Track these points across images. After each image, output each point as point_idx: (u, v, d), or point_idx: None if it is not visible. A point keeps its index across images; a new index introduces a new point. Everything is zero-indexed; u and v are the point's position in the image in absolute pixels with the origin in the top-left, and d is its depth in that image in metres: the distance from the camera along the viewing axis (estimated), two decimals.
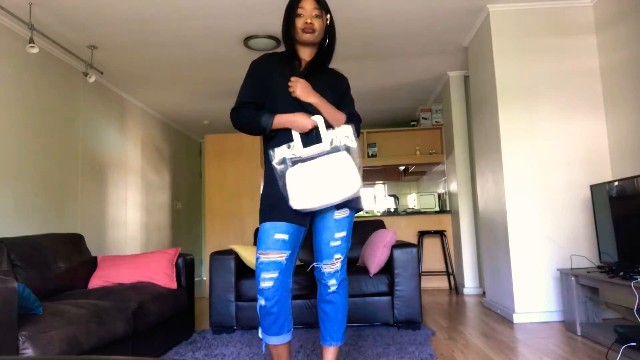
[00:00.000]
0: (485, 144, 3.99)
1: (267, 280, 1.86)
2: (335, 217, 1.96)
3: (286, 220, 1.88)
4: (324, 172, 1.85)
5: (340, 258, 1.98)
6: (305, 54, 2.03)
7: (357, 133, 1.99)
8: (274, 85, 1.97)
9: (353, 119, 2.02)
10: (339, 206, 1.95)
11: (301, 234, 1.97)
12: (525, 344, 2.83)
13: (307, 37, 1.94)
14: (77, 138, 4.45)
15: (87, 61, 4.32)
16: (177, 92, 5.58)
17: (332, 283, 1.98)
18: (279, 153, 1.89)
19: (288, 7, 1.98)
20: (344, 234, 1.97)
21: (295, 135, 1.91)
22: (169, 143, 6.91)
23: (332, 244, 1.97)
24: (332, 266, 1.98)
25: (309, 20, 1.92)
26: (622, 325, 2.64)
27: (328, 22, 2.00)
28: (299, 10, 1.94)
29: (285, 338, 1.93)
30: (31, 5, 3.37)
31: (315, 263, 2.01)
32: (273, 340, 1.92)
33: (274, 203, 1.91)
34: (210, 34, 3.99)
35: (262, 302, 1.88)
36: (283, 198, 1.87)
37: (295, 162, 1.88)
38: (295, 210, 1.87)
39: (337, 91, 2.05)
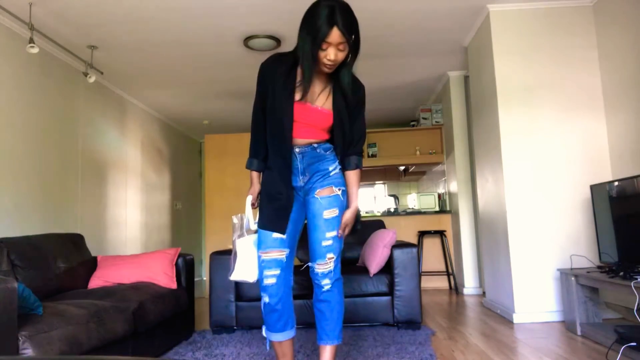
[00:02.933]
0: (485, 144, 3.99)
1: (269, 277, 1.94)
2: (325, 217, 1.99)
3: (278, 231, 1.98)
4: (256, 248, 2.02)
5: (333, 257, 1.99)
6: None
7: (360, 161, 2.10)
8: (270, 99, 1.98)
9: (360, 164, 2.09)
10: (327, 206, 2.00)
11: (297, 233, 2.06)
12: (525, 344, 2.83)
13: (327, 71, 1.88)
14: (77, 138, 4.45)
15: (87, 61, 4.32)
16: (177, 92, 5.58)
17: (326, 282, 2.00)
18: (237, 222, 2.06)
19: (313, 30, 1.77)
20: (334, 233, 1.99)
21: (248, 210, 2.05)
22: (169, 143, 6.91)
23: (324, 243, 1.99)
24: (325, 266, 1.99)
25: (332, 57, 1.79)
26: (622, 325, 2.64)
27: (352, 41, 1.84)
28: (324, 45, 1.78)
29: (290, 334, 2.01)
30: (31, 5, 3.37)
31: (309, 263, 2.04)
32: (278, 337, 1.99)
33: (269, 211, 2.00)
34: (210, 34, 3.99)
35: (266, 299, 1.96)
36: (278, 206, 1.98)
37: (247, 232, 2.04)
38: (283, 216, 1.97)
39: (351, 104, 1.99)
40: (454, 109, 5.22)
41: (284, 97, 1.92)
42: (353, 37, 1.83)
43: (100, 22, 3.71)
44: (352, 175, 2.05)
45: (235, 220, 2.05)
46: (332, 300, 2.02)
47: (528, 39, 3.67)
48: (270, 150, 2.04)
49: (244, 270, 2.00)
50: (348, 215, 2.01)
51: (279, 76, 1.94)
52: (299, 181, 2.03)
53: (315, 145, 2.01)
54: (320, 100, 1.96)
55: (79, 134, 4.49)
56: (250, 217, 2.06)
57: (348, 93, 1.95)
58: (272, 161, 2.03)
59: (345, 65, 1.90)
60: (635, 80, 3.17)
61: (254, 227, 2.05)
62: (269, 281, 1.94)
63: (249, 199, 2.08)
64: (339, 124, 1.98)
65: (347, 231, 2.01)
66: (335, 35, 1.76)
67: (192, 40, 4.11)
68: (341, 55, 1.83)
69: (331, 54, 1.79)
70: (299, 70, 1.94)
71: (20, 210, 3.60)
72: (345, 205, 2.03)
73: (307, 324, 3.39)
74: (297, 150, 1.99)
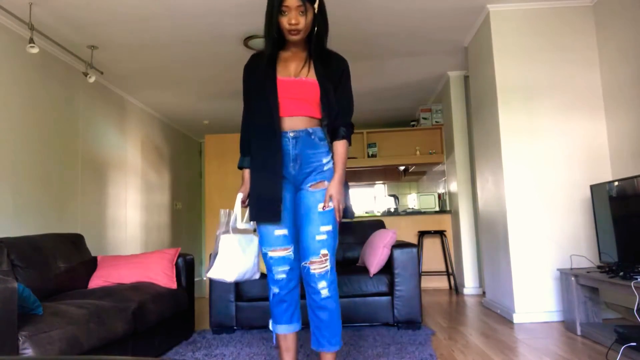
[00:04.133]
0: (485, 144, 3.99)
1: (280, 272, 1.96)
2: (319, 210, 1.92)
3: (272, 220, 1.93)
4: (240, 248, 1.98)
5: (327, 255, 1.91)
6: (296, 47, 1.99)
7: (349, 139, 2.02)
8: (252, 92, 2.02)
9: (348, 136, 2.01)
10: (321, 199, 1.94)
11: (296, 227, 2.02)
12: (525, 344, 2.83)
13: (293, 38, 1.91)
14: (77, 138, 4.45)
15: (87, 61, 4.32)
16: (177, 92, 5.58)
17: (323, 286, 1.90)
18: (223, 218, 2.02)
19: (270, 4, 1.88)
20: (329, 227, 1.92)
21: (237, 207, 2.02)
22: (169, 143, 6.91)
23: (318, 237, 1.90)
24: (321, 265, 1.90)
25: (293, 21, 1.85)
26: (622, 325, 2.64)
27: (316, 10, 1.88)
28: (283, 8, 1.85)
29: (296, 327, 2.01)
30: (31, 5, 3.37)
31: (302, 262, 1.95)
32: (284, 329, 1.99)
33: (263, 205, 1.94)
34: (210, 34, 3.99)
35: (275, 290, 1.97)
36: (271, 199, 1.92)
37: (233, 230, 2.00)
38: (275, 204, 1.91)
39: (334, 76, 1.99)
40: (454, 109, 5.22)
41: (266, 78, 1.95)
42: (316, 6, 1.88)
43: (100, 22, 3.71)
44: (338, 145, 1.98)
45: (222, 214, 2.00)
46: (331, 307, 1.93)
47: (528, 39, 3.67)
48: (255, 139, 2.00)
49: (223, 268, 1.94)
50: (332, 185, 1.92)
51: (260, 67, 1.99)
52: (290, 168, 1.96)
53: (311, 130, 1.95)
54: (303, 73, 1.96)
55: (79, 134, 4.49)
56: (239, 215, 2.01)
57: (320, 67, 1.96)
58: (256, 150, 1.99)
59: (312, 37, 1.94)
60: (635, 80, 3.17)
61: (242, 226, 2.01)
62: (280, 276, 1.96)
63: (239, 197, 2.03)
64: (324, 93, 1.94)
65: (333, 204, 1.91)
66: None
67: (192, 40, 4.11)
68: (303, 20, 1.86)
69: (292, 18, 1.85)
70: (279, 55, 1.99)
71: (20, 210, 3.60)
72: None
73: (306, 324, 3.39)
74: (291, 134, 1.94)
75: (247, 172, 2.07)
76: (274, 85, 1.93)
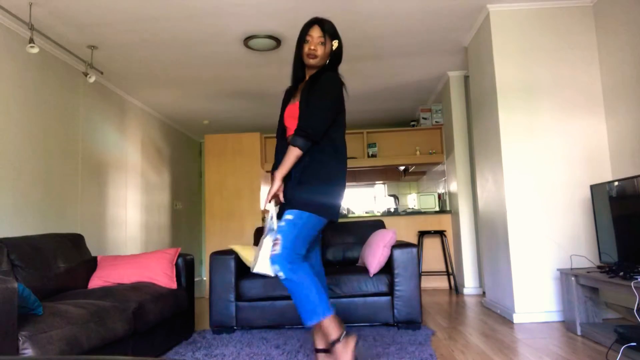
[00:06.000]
0: (485, 144, 3.99)
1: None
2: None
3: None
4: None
5: (278, 239, 2.10)
6: (311, 74, 2.36)
7: (309, 138, 2.19)
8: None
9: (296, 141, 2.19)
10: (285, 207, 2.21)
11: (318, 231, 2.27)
12: (525, 344, 2.83)
13: (310, 61, 2.28)
14: (77, 138, 4.45)
15: (87, 61, 4.32)
16: (177, 92, 5.58)
17: (276, 269, 2.10)
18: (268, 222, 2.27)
19: (299, 35, 2.30)
20: (282, 224, 2.14)
21: (271, 208, 2.25)
22: (169, 143, 6.91)
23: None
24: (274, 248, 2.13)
25: (312, 47, 2.25)
26: (622, 325, 2.64)
27: (334, 48, 2.29)
28: (307, 37, 2.26)
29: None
30: (31, 5, 3.37)
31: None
32: None
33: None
34: (210, 34, 3.99)
35: None
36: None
37: (270, 231, 2.22)
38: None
39: (313, 88, 2.26)
40: (454, 109, 5.22)
41: (283, 105, 2.41)
42: (335, 44, 2.28)
43: (100, 22, 3.71)
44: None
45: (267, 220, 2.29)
46: (290, 288, 2.10)
47: (528, 39, 3.67)
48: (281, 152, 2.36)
49: (263, 265, 2.17)
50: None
51: (287, 95, 2.41)
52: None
53: None
54: (298, 96, 2.32)
55: (79, 134, 4.49)
56: (274, 215, 2.25)
57: (306, 85, 2.27)
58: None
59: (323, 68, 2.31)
60: (635, 80, 3.17)
61: (277, 225, 2.21)
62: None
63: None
64: (300, 107, 2.24)
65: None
66: (316, 30, 2.26)
67: (192, 40, 4.11)
68: (321, 49, 2.25)
69: (312, 44, 2.25)
70: (299, 87, 2.36)
71: (20, 210, 3.60)
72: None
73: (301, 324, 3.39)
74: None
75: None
76: (284, 110, 2.36)
